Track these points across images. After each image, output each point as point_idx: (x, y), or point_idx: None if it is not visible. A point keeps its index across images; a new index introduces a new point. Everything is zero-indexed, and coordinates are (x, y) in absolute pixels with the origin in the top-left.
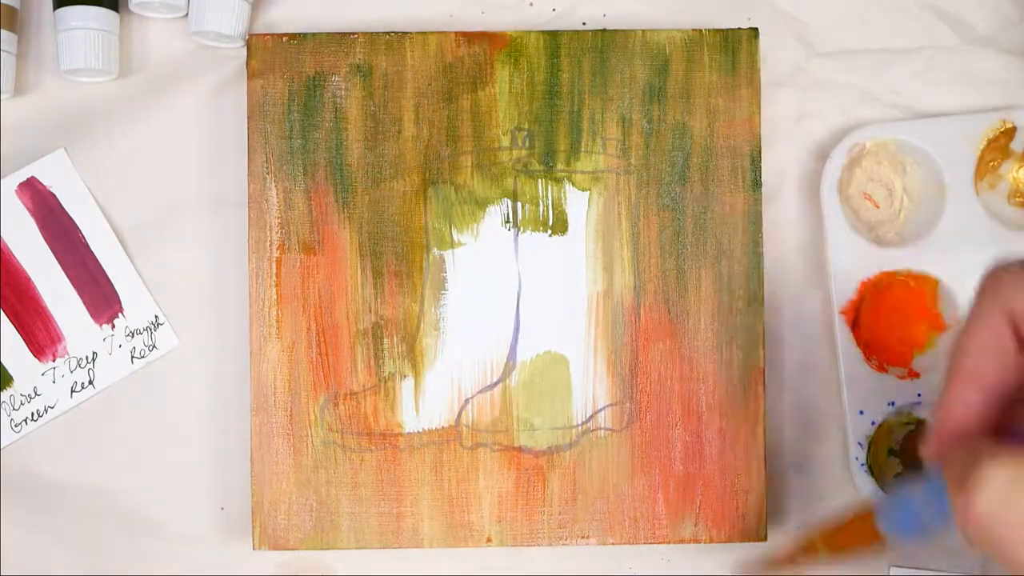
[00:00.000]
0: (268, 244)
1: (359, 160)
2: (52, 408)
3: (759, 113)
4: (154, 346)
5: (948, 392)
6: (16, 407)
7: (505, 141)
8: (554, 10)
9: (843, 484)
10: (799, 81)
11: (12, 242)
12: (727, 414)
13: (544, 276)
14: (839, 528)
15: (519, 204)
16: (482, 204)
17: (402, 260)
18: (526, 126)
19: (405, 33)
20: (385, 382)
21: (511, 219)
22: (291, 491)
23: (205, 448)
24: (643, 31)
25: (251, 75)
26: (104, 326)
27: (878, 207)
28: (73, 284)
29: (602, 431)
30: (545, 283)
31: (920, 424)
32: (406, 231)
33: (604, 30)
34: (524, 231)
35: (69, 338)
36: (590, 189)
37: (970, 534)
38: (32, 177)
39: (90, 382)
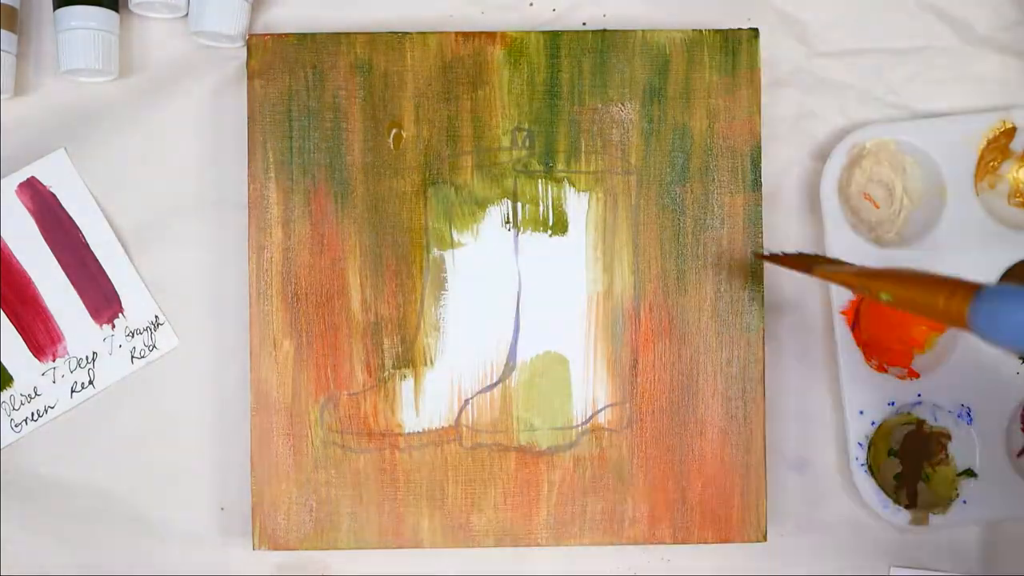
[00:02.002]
0: (268, 244)
1: (359, 160)
2: (52, 408)
3: (759, 113)
4: (154, 346)
5: None
6: (16, 407)
7: (505, 141)
8: (554, 10)
9: (843, 484)
10: (799, 81)
11: (12, 242)
12: (727, 414)
13: (544, 276)
14: (919, 286)
15: (519, 204)
16: (482, 204)
17: (402, 260)
18: (526, 126)
19: (405, 33)
20: (385, 382)
21: (511, 219)
22: (291, 491)
23: (205, 448)
24: (643, 31)
25: (251, 75)
26: (104, 326)
27: (878, 207)
28: (73, 284)
29: (602, 431)
30: (545, 283)
31: (920, 424)
32: (406, 231)
33: (604, 30)
34: (524, 231)
35: (69, 338)
36: (590, 189)
37: None
38: (32, 177)
39: (90, 382)
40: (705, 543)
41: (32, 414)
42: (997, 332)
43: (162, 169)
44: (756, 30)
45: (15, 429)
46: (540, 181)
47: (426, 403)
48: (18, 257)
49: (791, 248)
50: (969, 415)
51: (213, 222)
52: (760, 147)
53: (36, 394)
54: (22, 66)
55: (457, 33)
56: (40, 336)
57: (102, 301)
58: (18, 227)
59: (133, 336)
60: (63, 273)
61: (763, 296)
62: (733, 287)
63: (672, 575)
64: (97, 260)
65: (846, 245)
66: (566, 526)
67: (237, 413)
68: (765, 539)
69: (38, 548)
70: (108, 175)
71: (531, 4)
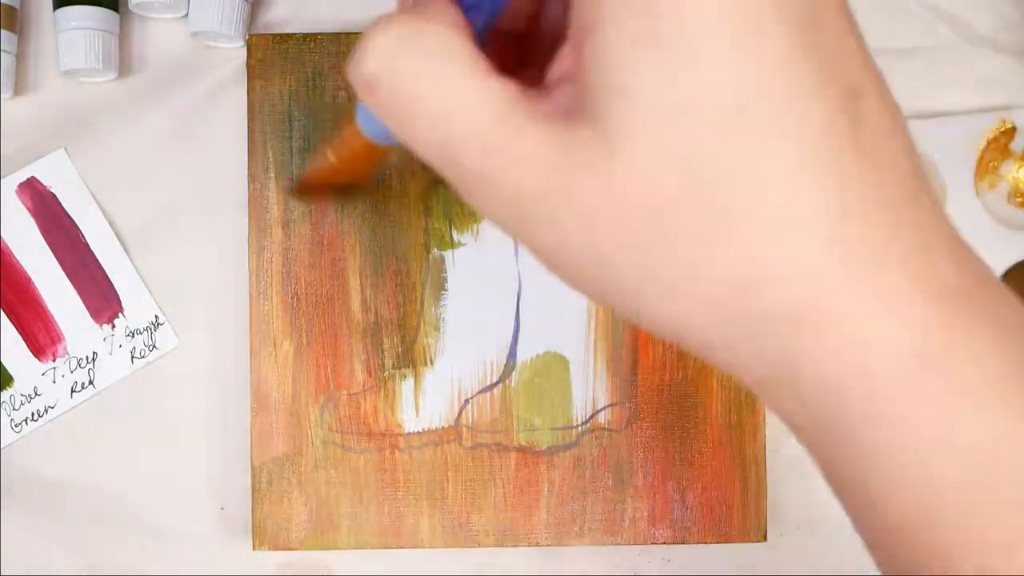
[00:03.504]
0: (268, 244)
1: None
2: (52, 408)
3: None
4: (154, 346)
5: None
6: (16, 407)
7: None
8: None
9: None
10: None
11: (12, 242)
12: (727, 414)
13: (544, 276)
14: (340, 135)
15: None
16: None
17: (402, 260)
18: None
19: None
20: (385, 382)
21: None
22: (291, 491)
23: (205, 448)
24: None
25: (251, 75)
26: (104, 326)
27: None
28: (73, 284)
29: (602, 431)
30: (545, 283)
31: None
32: (406, 231)
33: None
34: None
35: (69, 338)
36: None
37: (365, 100)
38: (32, 177)
39: (90, 382)
40: (705, 543)
41: (32, 414)
42: (370, 125)
43: (162, 169)
44: None
45: (15, 429)
46: None
47: (426, 403)
48: (18, 257)
49: None
50: None
51: (213, 222)
52: None
53: (36, 394)
54: (22, 66)
55: None
56: (40, 336)
57: (102, 301)
58: (18, 227)
59: (133, 336)
60: (63, 273)
61: None
62: None
63: (672, 575)
64: (97, 260)
65: None
66: (566, 526)
67: (237, 413)
68: (765, 539)
69: (38, 548)
70: (108, 175)
71: None
